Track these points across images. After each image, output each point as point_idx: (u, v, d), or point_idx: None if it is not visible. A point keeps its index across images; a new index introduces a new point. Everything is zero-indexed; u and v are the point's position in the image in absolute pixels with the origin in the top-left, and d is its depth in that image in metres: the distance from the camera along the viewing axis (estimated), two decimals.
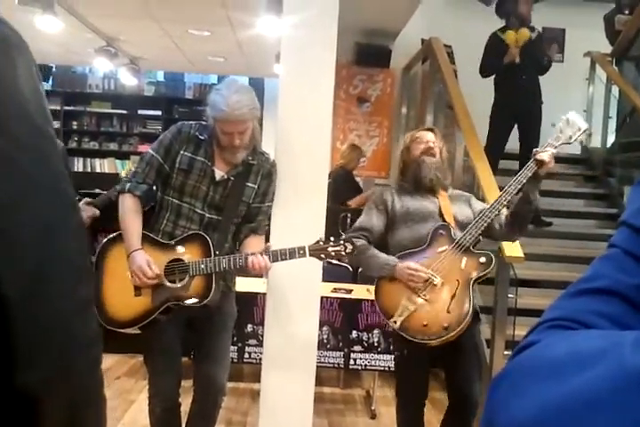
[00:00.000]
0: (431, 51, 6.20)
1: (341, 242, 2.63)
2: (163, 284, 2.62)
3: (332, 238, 2.63)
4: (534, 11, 5.87)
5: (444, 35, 6.39)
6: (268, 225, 3.00)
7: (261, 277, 3.24)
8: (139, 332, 2.73)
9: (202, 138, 2.70)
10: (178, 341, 2.78)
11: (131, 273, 2.61)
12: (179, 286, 2.62)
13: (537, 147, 2.85)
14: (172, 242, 2.67)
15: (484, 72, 5.83)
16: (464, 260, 2.84)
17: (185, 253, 2.65)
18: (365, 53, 6.60)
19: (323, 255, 2.63)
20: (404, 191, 3.03)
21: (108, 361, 4.75)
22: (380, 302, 2.92)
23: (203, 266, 2.60)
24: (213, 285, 2.61)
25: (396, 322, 2.83)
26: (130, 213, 2.65)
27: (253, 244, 2.75)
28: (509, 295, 3.92)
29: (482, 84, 5.76)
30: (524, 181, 2.78)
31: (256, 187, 2.75)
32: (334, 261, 4.55)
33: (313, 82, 3.12)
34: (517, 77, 5.64)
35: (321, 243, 2.62)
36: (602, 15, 6.61)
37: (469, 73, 5.87)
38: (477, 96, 5.60)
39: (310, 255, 2.61)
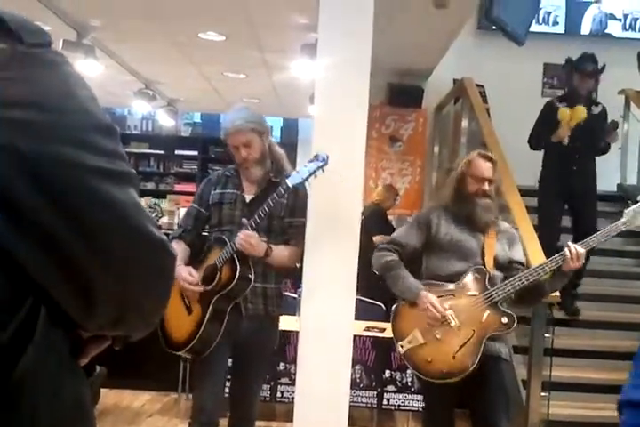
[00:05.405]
0: (463, 90, 6.25)
1: None
2: (205, 290, 2.81)
3: None
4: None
5: (476, 74, 6.44)
6: (301, 262, 3.04)
7: (281, 299, 3.28)
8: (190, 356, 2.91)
9: (228, 175, 3.02)
10: (223, 367, 2.92)
11: (179, 288, 2.81)
12: (215, 284, 2.81)
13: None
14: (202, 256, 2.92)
15: (532, 144, 5.26)
16: (487, 313, 2.82)
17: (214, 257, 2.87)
18: (398, 93, 6.67)
19: None
20: (451, 217, 2.97)
21: (141, 399, 4.76)
22: (394, 323, 2.97)
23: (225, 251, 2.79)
24: (238, 267, 2.75)
25: (402, 347, 2.87)
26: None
27: (280, 248, 2.89)
28: (545, 335, 3.86)
29: (515, 124, 5.75)
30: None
31: (284, 201, 2.89)
32: (367, 300, 4.54)
33: (346, 122, 3.16)
34: (568, 157, 5.05)
35: None
36: (635, 52, 6.61)
37: (502, 112, 5.88)
38: (510, 136, 5.59)
39: None
